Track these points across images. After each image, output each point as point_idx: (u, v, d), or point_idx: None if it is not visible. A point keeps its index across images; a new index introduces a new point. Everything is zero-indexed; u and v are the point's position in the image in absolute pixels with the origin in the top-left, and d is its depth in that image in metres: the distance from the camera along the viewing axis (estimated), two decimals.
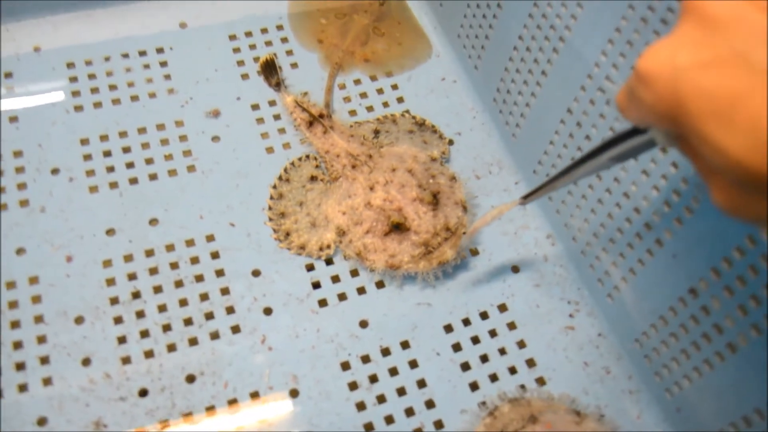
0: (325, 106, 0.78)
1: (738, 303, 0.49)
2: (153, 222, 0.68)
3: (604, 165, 0.41)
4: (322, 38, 0.84)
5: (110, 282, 0.64)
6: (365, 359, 0.63)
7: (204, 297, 0.65)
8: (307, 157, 0.73)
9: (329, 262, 0.68)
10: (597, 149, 0.41)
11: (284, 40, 0.84)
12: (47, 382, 0.59)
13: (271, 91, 0.79)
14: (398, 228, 0.64)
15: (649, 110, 0.31)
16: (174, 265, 0.66)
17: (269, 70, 0.79)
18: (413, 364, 0.63)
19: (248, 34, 0.84)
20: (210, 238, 0.68)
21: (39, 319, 0.61)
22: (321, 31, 0.85)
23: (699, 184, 0.51)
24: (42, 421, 0.57)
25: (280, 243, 0.68)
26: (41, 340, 0.61)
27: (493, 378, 0.63)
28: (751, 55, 0.27)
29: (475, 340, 0.65)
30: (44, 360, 0.60)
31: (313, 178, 0.71)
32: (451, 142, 0.78)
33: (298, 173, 0.71)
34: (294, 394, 0.60)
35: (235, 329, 0.63)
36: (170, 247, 0.67)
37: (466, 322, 0.66)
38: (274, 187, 0.71)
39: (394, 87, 0.82)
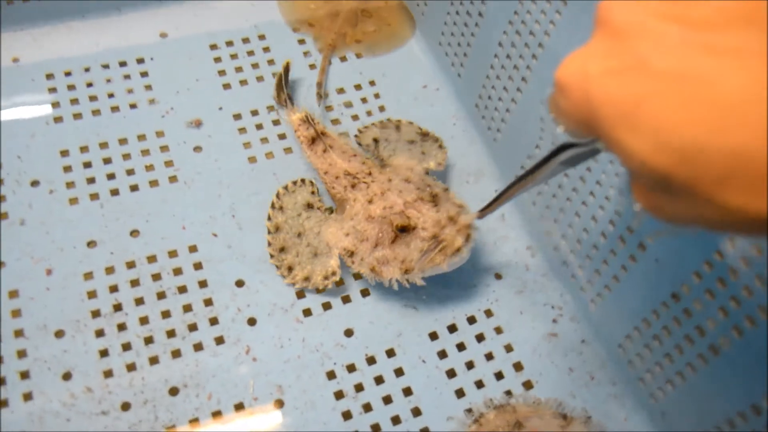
0: (317, 86, 0.79)
1: (719, 305, 0.49)
2: (134, 233, 0.68)
3: (556, 170, 0.42)
4: (312, 21, 0.86)
5: (91, 294, 0.64)
6: (351, 368, 0.63)
7: (187, 308, 0.64)
8: (303, 181, 0.71)
9: None
10: (546, 158, 0.42)
11: (266, 49, 0.84)
12: (27, 397, 0.58)
13: (253, 100, 0.79)
14: (404, 230, 0.62)
15: (568, 118, 0.33)
16: (156, 277, 0.65)
17: (281, 86, 0.78)
18: (399, 372, 0.63)
19: (229, 44, 0.84)
20: (192, 249, 0.67)
21: (19, 333, 0.61)
22: (311, 16, 0.86)
23: None
24: None
25: (285, 278, 0.66)
26: (21, 354, 0.60)
27: (479, 384, 0.63)
28: (654, 62, 0.28)
29: (461, 347, 0.65)
30: (24, 375, 0.59)
31: (309, 206, 0.69)
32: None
33: (292, 200, 0.69)
34: (279, 404, 0.60)
35: (219, 340, 0.63)
36: (152, 259, 0.66)
37: (452, 328, 0.66)
38: (269, 218, 0.68)
39: (377, 96, 0.82)
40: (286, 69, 0.79)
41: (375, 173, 0.68)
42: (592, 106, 0.30)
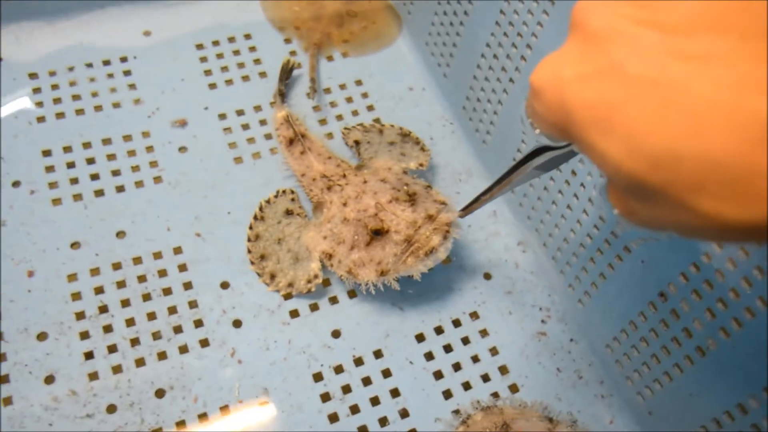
0: (311, 81, 0.80)
1: (706, 306, 0.50)
2: (120, 234, 0.67)
3: (532, 174, 0.43)
4: (298, 24, 0.85)
5: (75, 296, 0.63)
6: (338, 369, 0.62)
7: (172, 310, 0.63)
8: (283, 192, 0.71)
9: None
10: (523, 159, 0.42)
11: (252, 48, 0.84)
12: (7, 401, 0.57)
13: (239, 100, 0.79)
14: (378, 233, 0.62)
15: (543, 121, 0.33)
16: (142, 278, 0.65)
17: (285, 76, 0.79)
18: (386, 374, 0.63)
19: (215, 43, 0.83)
20: (177, 251, 0.67)
21: None
22: (296, 18, 0.86)
23: None
24: None
25: (269, 286, 0.66)
26: (1, 358, 0.59)
27: (466, 386, 0.63)
28: (627, 67, 0.28)
29: (448, 348, 0.65)
30: (4, 379, 0.58)
31: (288, 213, 0.69)
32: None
33: (273, 209, 0.69)
34: (265, 407, 0.60)
35: (204, 342, 0.62)
36: (137, 260, 0.66)
37: (439, 330, 0.66)
38: (250, 227, 0.68)
39: (364, 95, 0.82)
40: (285, 66, 0.79)
41: (350, 175, 0.68)
42: (566, 110, 0.30)
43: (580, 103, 0.29)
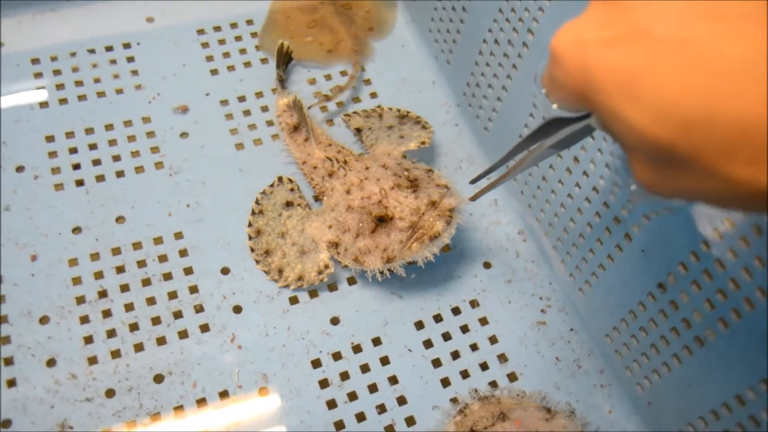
0: (338, 90, 0.79)
1: (705, 297, 0.49)
2: (120, 220, 0.67)
3: (547, 153, 0.41)
4: (330, 48, 0.83)
5: (76, 281, 0.63)
6: (336, 356, 0.62)
7: (172, 295, 0.64)
8: (280, 180, 0.70)
9: None
10: (533, 134, 0.41)
11: (254, 34, 0.83)
12: (11, 383, 0.58)
13: (240, 86, 0.78)
14: (383, 220, 0.62)
15: (562, 89, 0.32)
16: (142, 263, 0.65)
17: (282, 61, 0.78)
18: (384, 361, 0.63)
19: (217, 29, 0.83)
20: (178, 236, 0.67)
21: (3, 320, 0.60)
22: (320, 44, 0.83)
23: None
24: (6, 424, 0.56)
25: (278, 282, 0.65)
26: (5, 340, 0.59)
27: (465, 374, 0.63)
28: (653, 30, 0.27)
29: (447, 336, 0.65)
30: (8, 361, 0.58)
31: (288, 204, 0.69)
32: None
33: (271, 201, 0.69)
34: (264, 392, 0.60)
35: (204, 328, 0.62)
36: (138, 245, 0.66)
37: (438, 318, 0.66)
38: (249, 224, 0.68)
39: (367, 82, 0.81)
40: (279, 51, 0.78)
41: (351, 161, 0.68)
42: (588, 76, 0.29)
43: (603, 68, 0.28)
